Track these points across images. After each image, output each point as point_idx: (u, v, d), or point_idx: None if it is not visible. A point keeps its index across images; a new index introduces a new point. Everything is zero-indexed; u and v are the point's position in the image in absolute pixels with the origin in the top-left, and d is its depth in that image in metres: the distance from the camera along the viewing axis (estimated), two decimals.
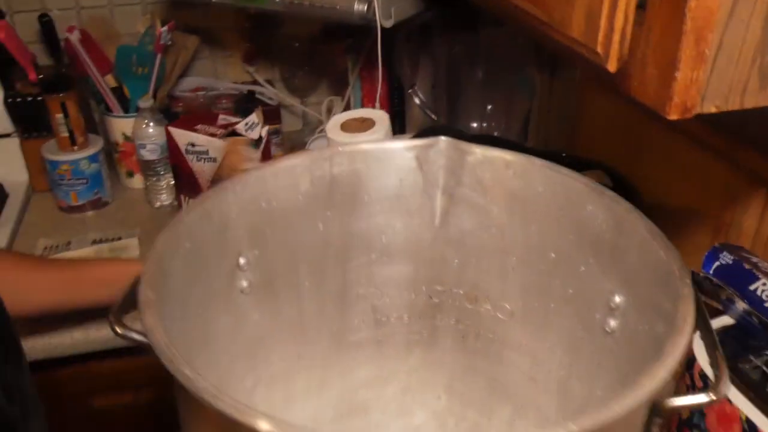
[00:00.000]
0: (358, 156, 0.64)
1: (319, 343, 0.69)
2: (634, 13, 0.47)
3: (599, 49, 0.49)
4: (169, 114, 1.27)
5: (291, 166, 0.62)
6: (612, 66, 0.49)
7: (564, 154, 0.99)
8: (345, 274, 0.67)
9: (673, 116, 0.48)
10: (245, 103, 1.31)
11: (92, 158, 1.21)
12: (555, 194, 0.59)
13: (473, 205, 0.64)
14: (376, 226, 0.66)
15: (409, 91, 1.13)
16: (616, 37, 0.48)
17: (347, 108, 1.35)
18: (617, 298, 0.55)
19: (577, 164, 0.97)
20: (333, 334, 0.70)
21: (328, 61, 1.36)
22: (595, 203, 0.56)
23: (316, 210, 0.64)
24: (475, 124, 1.11)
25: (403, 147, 0.64)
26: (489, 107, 1.11)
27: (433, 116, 1.10)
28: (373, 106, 1.30)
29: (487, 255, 0.66)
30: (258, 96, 1.36)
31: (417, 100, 1.12)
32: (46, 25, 1.24)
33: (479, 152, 0.62)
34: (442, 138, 0.63)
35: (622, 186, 0.93)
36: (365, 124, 0.93)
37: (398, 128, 1.26)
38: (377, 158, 0.64)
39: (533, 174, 0.60)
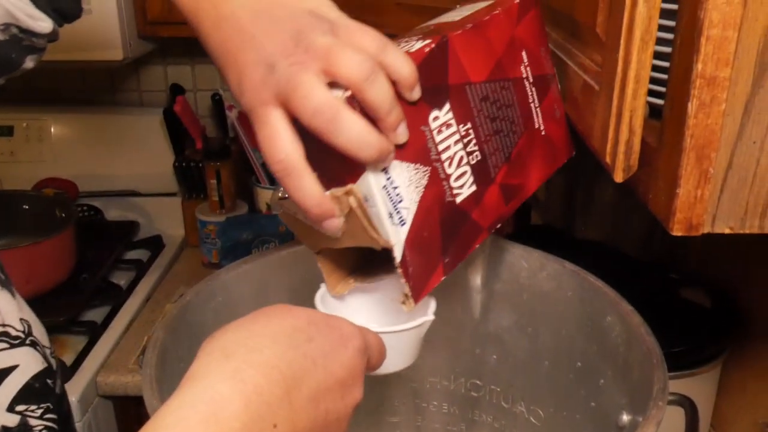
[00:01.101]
0: None
1: (355, 418, 0.71)
2: (641, 126, 0.47)
3: (608, 160, 0.49)
4: None
5: None
6: (618, 177, 0.49)
7: (667, 268, 0.95)
8: None
9: (677, 232, 0.46)
10: None
11: None
12: (582, 300, 0.58)
13: (511, 303, 0.65)
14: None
15: None
16: (621, 148, 0.48)
17: None
18: (625, 417, 0.52)
19: (679, 280, 0.93)
20: (370, 413, 0.72)
21: None
22: (614, 314, 0.54)
23: None
24: (586, 228, 1.09)
25: None
26: (606, 214, 1.09)
27: (541, 217, 1.09)
28: None
29: (523, 354, 0.65)
30: None
31: (530, 200, 1.13)
32: (217, 103, 1.42)
33: (516, 251, 0.63)
34: None
35: (725, 308, 0.87)
36: None
37: (510, 224, 1.27)
38: None
39: (564, 277, 0.60)
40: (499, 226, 0.53)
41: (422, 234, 0.48)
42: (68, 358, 1.08)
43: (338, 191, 0.45)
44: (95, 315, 1.18)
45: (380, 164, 0.45)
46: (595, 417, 0.58)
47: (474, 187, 0.51)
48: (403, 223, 0.47)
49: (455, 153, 0.49)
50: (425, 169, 0.48)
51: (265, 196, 1.37)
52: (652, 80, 0.48)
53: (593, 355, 0.58)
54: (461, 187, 0.50)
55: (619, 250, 1.04)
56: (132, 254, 1.37)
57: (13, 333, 0.57)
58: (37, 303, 1.14)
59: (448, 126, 0.49)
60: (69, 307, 1.16)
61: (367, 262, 0.55)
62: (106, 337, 1.13)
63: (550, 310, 0.62)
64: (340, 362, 0.39)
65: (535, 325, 0.64)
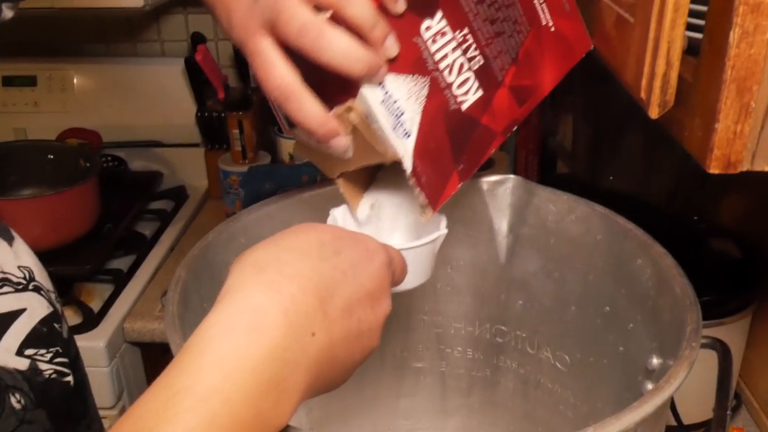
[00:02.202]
0: None
1: (381, 362, 0.71)
2: (678, 58, 0.45)
3: (642, 95, 0.47)
4: None
5: None
6: (653, 113, 0.47)
7: (696, 218, 0.93)
8: (410, 296, 0.69)
9: (714, 170, 0.45)
10: None
11: None
12: (611, 244, 0.57)
13: (538, 247, 0.63)
14: (441, 255, 0.67)
15: (551, 139, 1.12)
16: (657, 83, 0.46)
17: (502, 148, 1.36)
18: (654, 361, 0.51)
19: (708, 230, 0.91)
20: (395, 357, 0.72)
21: None
22: (645, 257, 0.53)
23: None
24: (613, 179, 1.07)
25: (475, 181, 0.65)
26: (632, 163, 1.06)
27: (567, 166, 1.07)
28: (527, 151, 1.30)
29: (549, 300, 0.64)
30: None
31: (556, 149, 1.10)
32: (239, 51, 1.40)
33: (544, 194, 0.61)
34: (512, 176, 0.63)
35: (755, 259, 0.85)
36: (486, 164, 0.94)
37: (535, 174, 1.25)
38: None
39: (593, 220, 0.58)
40: (515, 129, 0.53)
41: (430, 144, 0.48)
42: (95, 305, 1.09)
43: (339, 109, 0.46)
44: (120, 264, 1.19)
45: (373, 79, 0.45)
46: (623, 361, 0.57)
47: (480, 93, 0.50)
48: (408, 135, 0.47)
49: (454, 60, 0.49)
50: (424, 79, 0.48)
51: (287, 146, 1.36)
52: (690, 12, 0.46)
53: (622, 300, 0.57)
54: (465, 93, 0.50)
55: (646, 200, 1.01)
56: (156, 204, 1.37)
57: (15, 279, 0.57)
58: (62, 252, 1.16)
59: (443, 34, 0.48)
60: (94, 256, 1.16)
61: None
62: (132, 285, 1.14)
63: (578, 255, 0.61)
64: (368, 274, 0.40)
65: (561, 270, 0.62)
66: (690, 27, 0.46)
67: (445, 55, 0.48)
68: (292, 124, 0.53)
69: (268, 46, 0.44)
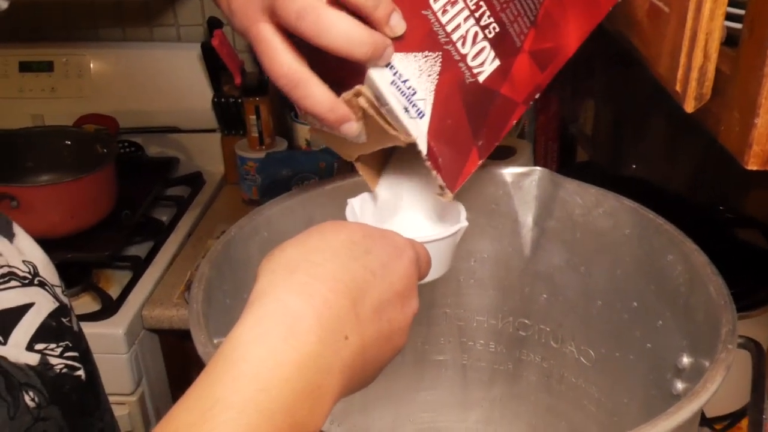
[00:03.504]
0: None
1: (401, 355, 0.71)
2: (717, 50, 0.44)
3: (678, 87, 0.46)
4: None
5: None
6: (689, 106, 0.46)
7: (721, 208, 0.91)
8: (432, 289, 0.68)
9: (752, 166, 0.43)
10: None
11: None
12: (641, 239, 0.56)
13: (563, 241, 0.62)
14: (465, 248, 0.66)
15: (571, 126, 1.10)
16: (694, 75, 0.45)
17: (521, 135, 1.35)
18: (685, 359, 0.50)
19: (733, 220, 0.89)
20: (416, 350, 0.71)
21: None
22: (676, 253, 0.52)
23: None
24: (635, 166, 1.05)
25: (500, 173, 0.64)
26: (655, 150, 1.05)
27: (588, 154, 1.06)
28: (546, 137, 1.29)
29: (574, 294, 0.63)
30: None
31: (577, 136, 1.09)
32: None
33: (571, 187, 0.60)
34: (538, 168, 0.62)
35: None
36: (507, 152, 0.93)
37: (555, 161, 1.23)
38: (473, 181, 0.64)
39: (622, 214, 0.57)
40: (537, 96, 0.51)
41: (446, 122, 0.46)
42: (114, 292, 1.09)
43: (347, 94, 0.44)
44: (138, 250, 1.19)
45: (380, 60, 0.43)
46: (650, 358, 0.56)
47: (497, 62, 0.48)
48: (422, 115, 0.45)
49: (467, 30, 0.47)
50: (435, 54, 0.46)
51: (304, 132, 1.35)
52: (729, 1, 0.44)
53: (651, 296, 0.55)
54: (481, 64, 0.47)
55: (669, 188, 1.00)
56: (173, 190, 1.37)
57: (20, 274, 0.56)
58: (80, 238, 1.16)
59: (453, 3, 0.46)
60: (112, 242, 1.17)
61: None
62: (150, 271, 1.14)
63: (605, 249, 0.59)
64: (398, 273, 0.40)
65: (588, 264, 0.61)
66: (728, 17, 0.45)
67: (458, 26, 0.46)
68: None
69: (270, 33, 0.43)
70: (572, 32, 0.51)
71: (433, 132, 0.46)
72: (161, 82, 1.41)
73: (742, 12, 0.43)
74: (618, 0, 0.53)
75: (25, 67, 1.40)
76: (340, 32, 0.41)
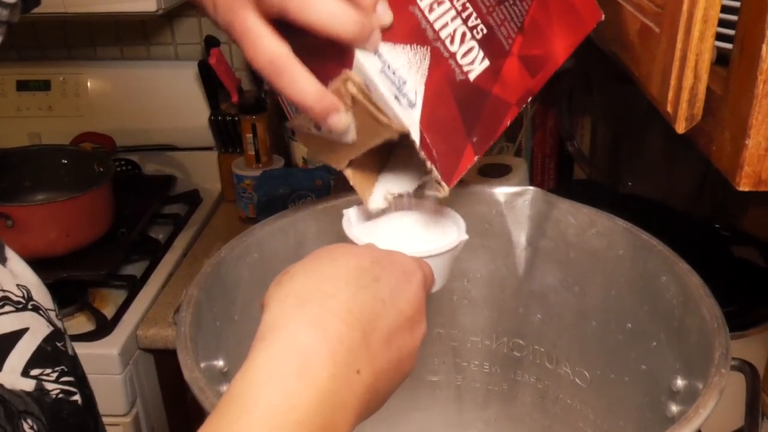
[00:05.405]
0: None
1: None
2: (707, 71, 0.44)
3: (669, 108, 0.46)
4: None
5: None
6: (680, 127, 0.45)
7: (718, 226, 0.91)
8: (426, 309, 0.68)
9: (744, 187, 0.43)
10: None
11: None
12: (635, 259, 0.55)
13: (557, 261, 0.62)
14: (458, 268, 0.66)
15: (568, 143, 1.10)
16: (685, 96, 0.45)
17: (518, 153, 1.35)
18: (679, 382, 0.50)
19: (731, 238, 0.89)
20: None
21: None
22: (669, 274, 0.51)
23: None
24: (632, 184, 1.05)
25: (493, 192, 0.63)
26: (652, 168, 1.04)
27: (585, 171, 1.06)
28: (544, 154, 1.29)
29: (569, 314, 0.63)
30: None
31: (574, 154, 1.08)
32: None
33: (564, 206, 0.60)
34: (531, 188, 0.61)
35: None
36: (502, 170, 0.92)
37: (552, 179, 1.23)
38: (466, 201, 0.64)
39: (615, 235, 0.57)
40: (529, 99, 0.51)
41: (438, 115, 0.46)
42: (109, 312, 1.08)
43: (336, 82, 0.44)
44: (134, 269, 1.18)
45: (367, 44, 0.43)
46: (645, 380, 0.55)
47: (486, 62, 0.48)
48: (413, 105, 0.45)
49: (455, 30, 0.47)
50: (424, 49, 0.46)
51: (301, 150, 1.35)
52: (719, 22, 0.44)
53: (645, 317, 0.55)
54: (471, 63, 0.48)
55: (666, 205, 0.99)
56: (169, 209, 1.36)
57: (14, 298, 0.56)
58: (76, 257, 1.16)
59: (440, 3, 0.46)
60: (108, 261, 1.16)
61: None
62: (146, 291, 1.13)
63: (599, 269, 0.59)
64: (407, 298, 0.39)
65: (582, 284, 0.61)
66: (719, 37, 0.44)
67: (445, 24, 0.47)
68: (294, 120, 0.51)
69: (255, 21, 0.42)
70: (559, 42, 0.52)
71: (426, 123, 0.45)
72: (158, 100, 1.41)
73: (732, 32, 0.43)
74: (602, 18, 0.54)
75: (22, 85, 1.40)
76: (326, 9, 0.40)
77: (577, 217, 0.59)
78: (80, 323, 1.07)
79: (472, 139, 0.47)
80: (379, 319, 0.37)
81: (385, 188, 0.52)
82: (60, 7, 1.12)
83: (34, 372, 0.54)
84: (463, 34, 0.47)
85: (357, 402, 0.34)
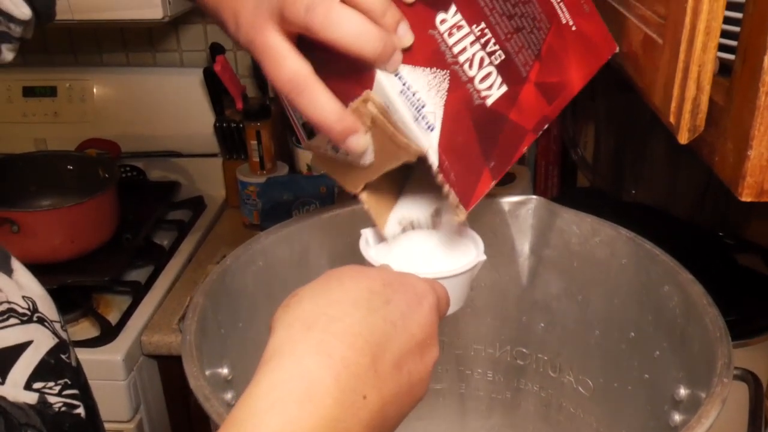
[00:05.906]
0: None
1: None
2: (709, 82, 0.44)
3: (672, 119, 0.46)
4: None
5: None
6: (682, 138, 0.46)
7: (721, 234, 0.91)
8: None
9: (746, 198, 0.43)
10: None
11: None
12: (638, 268, 0.55)
13: (560, 270, 0.62)
14: None
15: (572, 151, 1.10)
16: (687, 107, 0.45)
17: (521, 161, 1.35)
18: (682, 391, 0.50)
19: (735, 246, 0.89)
20: None
21: None
22: (672, 283, 0.52)
23: None
24: (635, 191, 1.05)
25: (497, 201, 0.63)
26: (656, 175, 1.04)
27: (588, 179, 1.06)
28: (547, 162, 1.29)
29: (572, 323, 0.63)
30: None
31: (577, 161, 1.09)
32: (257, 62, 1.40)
33: (568, 215, 0.60)
34: (534, 197, 0.62)
35: None
36: (505, 178, 0.93)
37: (555, 186, 1.23)
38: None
39: (618, 244, 0.57)
40: (546, 126, 0.51)
41: (456, 139, 0.46)
42: (113, 318, 1.09)
43: (356, 102, 0.44)
44: (138, 275, 1.19)
45: (388, 65, 0.43)
46: (648, 389, 0.55)
47: (504, 88, 0.49)
48: (432, 128, 0.45)
49: (474, 54, 0.47)
50: (443, 72, 0.46)
51: (305, 156, 1.36)
52: (722, 33, 0.44)
53: (648, 326, 0.55)
54: (489, 88, 0.48)
55: (670, 213, 1.00)
56: (174, 214, 1.37)
57: (20, 310, 0.56)
58: (81, 263, 1.16)
59: (459, 28, 0.47)
60: (113, 266, 1.16)
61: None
62: (150, 296, 1.14)
63: (602, 278, 0.59)
64: (418, 322, 0.39)
65: (585, 293, 0.61)
66: (722, 47, 0.45)
67: (464, 49, 0.47)
68: (311, 134, 0.51)
69: (277, 39, 0.42)
70: (575, 71, 0.53)
71: (444, 146, 0.45)
72: (164, 106, 1.41)
73: (735, 43, 0.43)
74: (617, 50, 0.54)
75: (28, 91, 1.41)
76: (351, 27, 0.40)
77: (580, 227, 0.59)
78: (84, 329, 1.08)
79: (489, 163, 0.48)
80: (389, 342, 0.36)
81: (400, 214, 0.52)
82: (67, 14, 1.13)
83: (37, 385, 0.54)
84: (482, 59, 0.48)
85: (362, 428, 0.34)
